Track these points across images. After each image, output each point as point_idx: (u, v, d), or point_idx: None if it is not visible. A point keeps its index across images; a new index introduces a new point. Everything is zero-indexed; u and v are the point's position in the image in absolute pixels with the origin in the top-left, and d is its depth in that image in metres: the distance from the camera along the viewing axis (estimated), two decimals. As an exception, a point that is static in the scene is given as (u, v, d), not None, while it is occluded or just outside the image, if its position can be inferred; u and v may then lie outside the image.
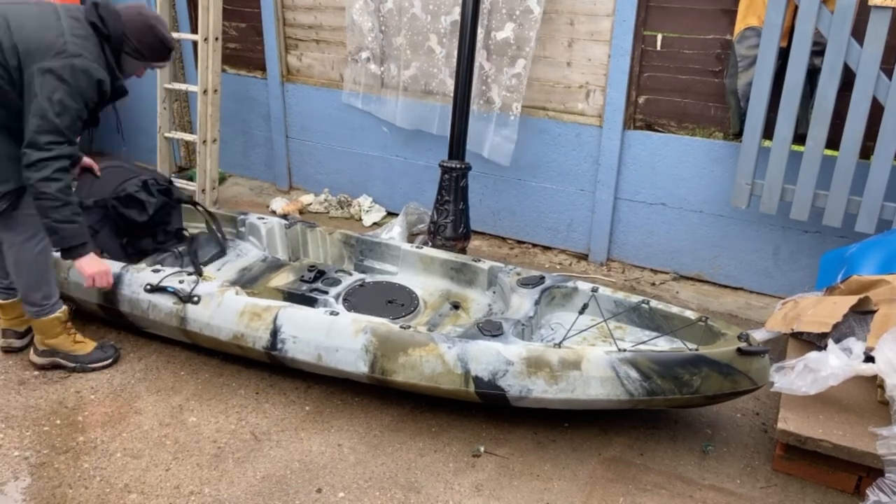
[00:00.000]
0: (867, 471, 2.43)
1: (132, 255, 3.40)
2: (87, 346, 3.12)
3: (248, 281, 3.42)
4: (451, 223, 3.75)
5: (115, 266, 3.16)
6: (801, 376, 2.45)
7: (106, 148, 5.50)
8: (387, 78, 4.46)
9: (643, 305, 2.96)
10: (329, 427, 2.81)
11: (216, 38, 4.39)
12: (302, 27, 4.73)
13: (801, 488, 2.55)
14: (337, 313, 2.85)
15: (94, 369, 3.10)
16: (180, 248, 3.48)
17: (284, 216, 4.19)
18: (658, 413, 2.91)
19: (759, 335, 2.85)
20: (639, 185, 3.95)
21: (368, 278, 3.44)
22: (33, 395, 2.94)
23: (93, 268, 2.82)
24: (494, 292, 3.29)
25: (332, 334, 2.77)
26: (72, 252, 2.76)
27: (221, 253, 3.61)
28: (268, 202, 4.95)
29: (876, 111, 3.07)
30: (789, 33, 3.19)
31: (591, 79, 3.91)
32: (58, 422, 2.80)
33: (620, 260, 4.18)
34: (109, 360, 3.15)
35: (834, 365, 2.41)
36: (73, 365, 3.08)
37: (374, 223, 4.68)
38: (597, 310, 2.96)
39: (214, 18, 4.35)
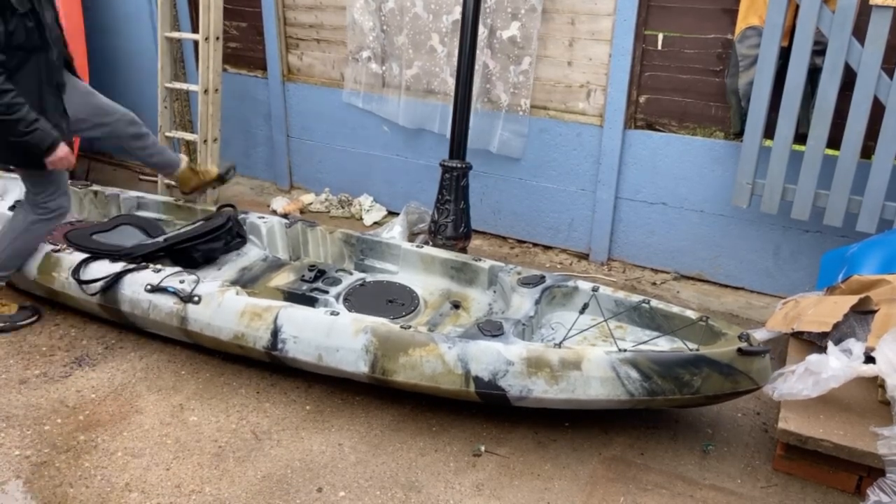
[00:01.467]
0: (868, 471, 2.43)
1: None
2: (11, 307, 3.38)
3: (248, 280, 3.42)
4: (451, 222, 3.75)
5: (116, 266, 3.18)
6: (801, 379, 2.45)
7: (108, 151, 5.52)
8: (388, 77, 4.46)
9: (644, 305, 2.96)
10: (330, 426, 2.82)
11: (217, 38, 4.38)
12: (303, 26, 4.72)
13: (801, 488, 2.55)
14: (337, 313, 2.85)
15: (22, 326, 3.34)
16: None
17: (285, 215, 4.20)
18: (658, 412, 2.91)
19: (759, 335, 2.84)
20: (639, 185, 3.95)
21: (369, 277, 3.44)
22: (34, 395, 2.95)
23: (59, 154, 3.03)
24: (495, 291, 3.29)
25: (332, 334, 2.77)
26: (48, 152, 2.98)
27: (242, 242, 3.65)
28: (269, 201, 4.95)
29: (877, 111, 3.06)
30: (790, 33, 3.19)
31: (591, 78, 3.91)
32: (58, 421, 2.81)
33: (621, 259, 4.17)
34: (35, 317, 3.40)
35: (835, 367, 2.40)
36: (2, 325, 3.31)
37: (375, 222, 4.68)
38: (597, 309, 2.95)
39: (215, 18, 4.34)
